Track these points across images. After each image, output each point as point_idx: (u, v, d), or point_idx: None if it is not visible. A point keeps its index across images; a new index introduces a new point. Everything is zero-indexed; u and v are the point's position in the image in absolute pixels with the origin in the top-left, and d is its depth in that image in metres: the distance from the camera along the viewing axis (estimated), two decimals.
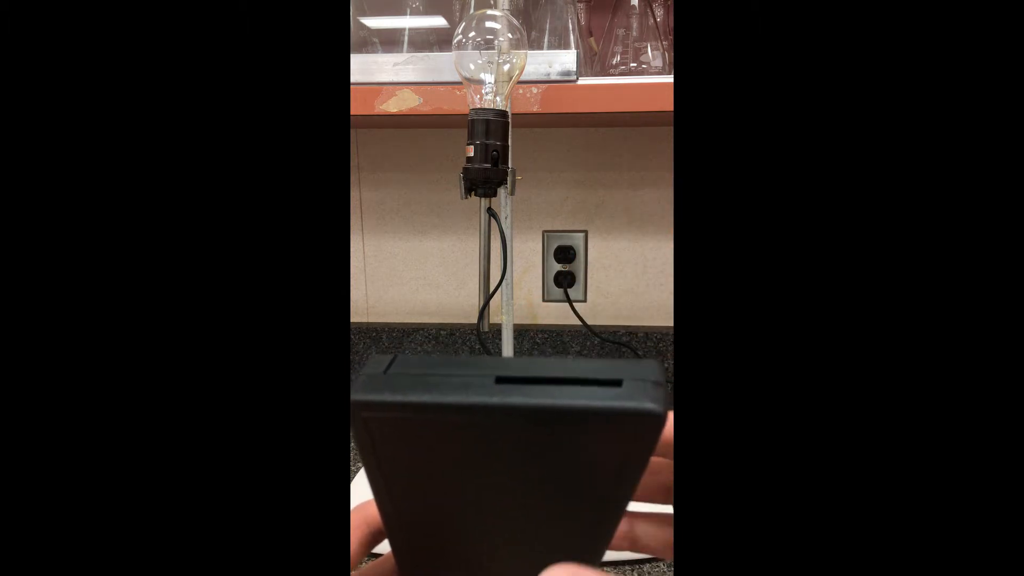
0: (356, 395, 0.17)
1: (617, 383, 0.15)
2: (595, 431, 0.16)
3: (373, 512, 0.23)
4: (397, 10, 0.77)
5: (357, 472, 0.63)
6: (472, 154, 0.53)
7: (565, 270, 0.91)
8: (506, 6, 0.58)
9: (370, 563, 0.25)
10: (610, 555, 0.27)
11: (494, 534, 0.20)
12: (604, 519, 0.19)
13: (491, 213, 0.57)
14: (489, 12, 0.55)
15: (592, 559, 0.21)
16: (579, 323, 0.87)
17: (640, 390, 0.15)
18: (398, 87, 0.65)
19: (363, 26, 0.78)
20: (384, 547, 0.24)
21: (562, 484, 0.17)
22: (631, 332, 0.89)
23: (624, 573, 0.53)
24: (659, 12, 0.74)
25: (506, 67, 0.55)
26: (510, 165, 0.55)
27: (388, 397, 0.16)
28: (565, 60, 0.64)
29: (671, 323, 0.92)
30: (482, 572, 0.22)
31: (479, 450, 0.17)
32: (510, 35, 0.55)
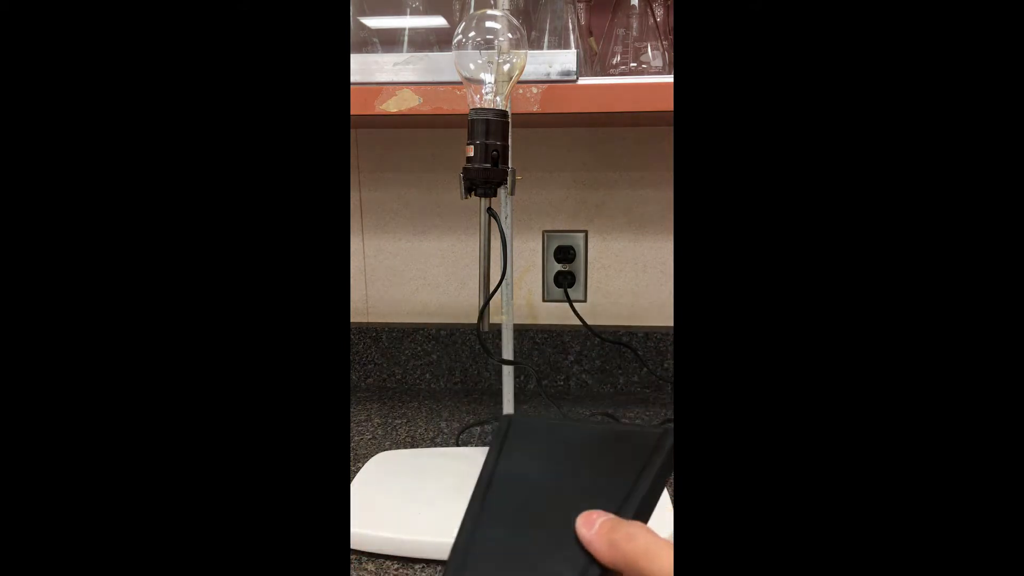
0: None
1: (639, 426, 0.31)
2: (630, 441, 0.32)
3: None
4: (397, 10, 0.77)
5: (357, 472, 0.63)
6: (472, 154, 0.53)
7: (565, 270, 0.91)
8: (506, 6, 0.58)
9: None
10: None
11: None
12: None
13: (491, 213, 0.57)
14: (489, 12, 0.55)
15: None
16: (579, 323, 0.87)
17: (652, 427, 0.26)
18: (398, 87, 0.65)
19: (363, 26, 0.78)
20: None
21: (601, 485, 0.31)
22: (631, 332, 0.89)
23: None
24: (659, 12, 0.74)
25: (506, 67, 0.55)
26: (510, 165, 0.55)
27: None
28: (565, 60, 0.64)
29: (671, 323, 0.92)
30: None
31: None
32: (510, 35, 0.55)
